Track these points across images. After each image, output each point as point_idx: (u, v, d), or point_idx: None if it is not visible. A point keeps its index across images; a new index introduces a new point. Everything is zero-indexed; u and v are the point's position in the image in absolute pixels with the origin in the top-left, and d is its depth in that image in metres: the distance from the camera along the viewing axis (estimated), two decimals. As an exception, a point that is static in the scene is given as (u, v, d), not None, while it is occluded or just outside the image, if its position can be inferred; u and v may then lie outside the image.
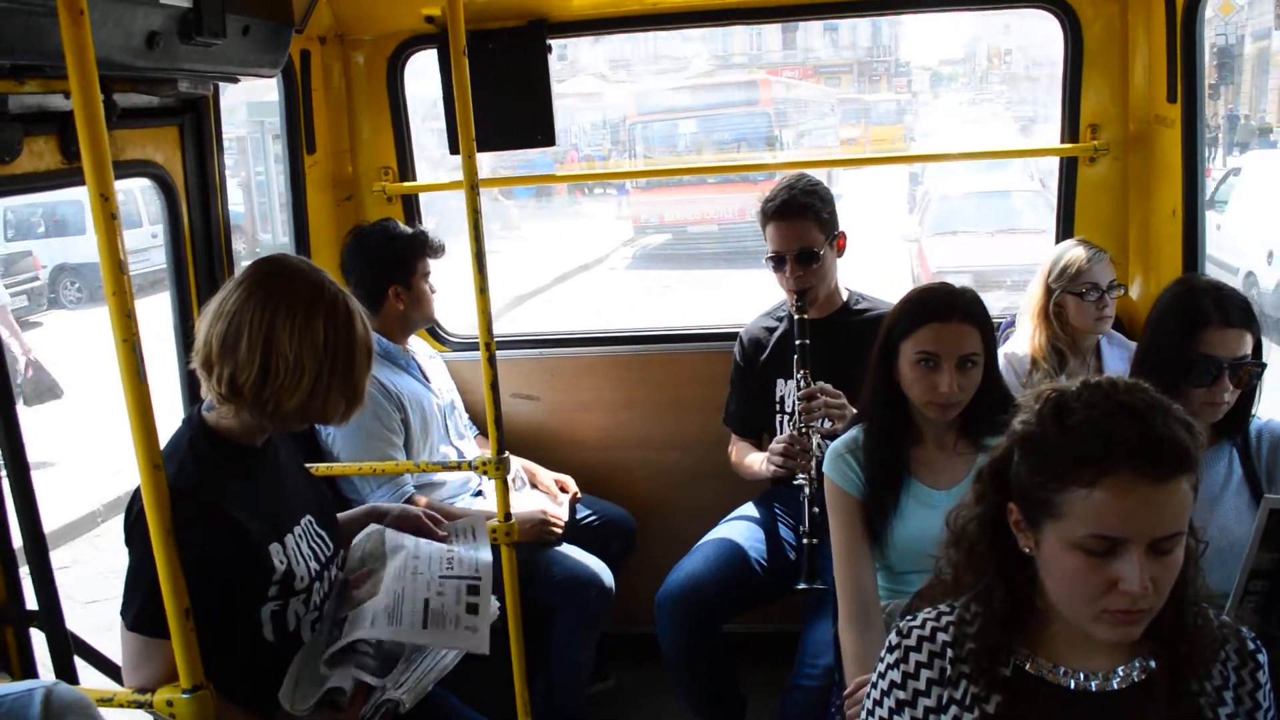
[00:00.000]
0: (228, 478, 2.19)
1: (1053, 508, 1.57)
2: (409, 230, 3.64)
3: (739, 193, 16.98)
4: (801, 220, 3.37)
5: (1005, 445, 1.70)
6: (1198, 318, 2.55)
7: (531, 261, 15.72)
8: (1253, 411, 2.65)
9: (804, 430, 3.25)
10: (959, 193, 14.74)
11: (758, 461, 3.47)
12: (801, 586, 3.02)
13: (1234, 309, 2.55)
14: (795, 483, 3.22)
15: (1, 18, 1.97)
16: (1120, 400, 1.56)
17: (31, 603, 2.30)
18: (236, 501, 2.17)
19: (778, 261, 3.42)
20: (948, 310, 2.54)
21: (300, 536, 2.32)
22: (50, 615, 2.20)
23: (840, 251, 3.51)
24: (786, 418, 3.52)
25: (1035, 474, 1.61)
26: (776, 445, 3.30)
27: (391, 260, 3.57)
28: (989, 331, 2.57)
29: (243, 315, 2.11)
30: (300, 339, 2.11)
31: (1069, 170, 3.82)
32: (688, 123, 20.34)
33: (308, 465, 3.07)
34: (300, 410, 2.16)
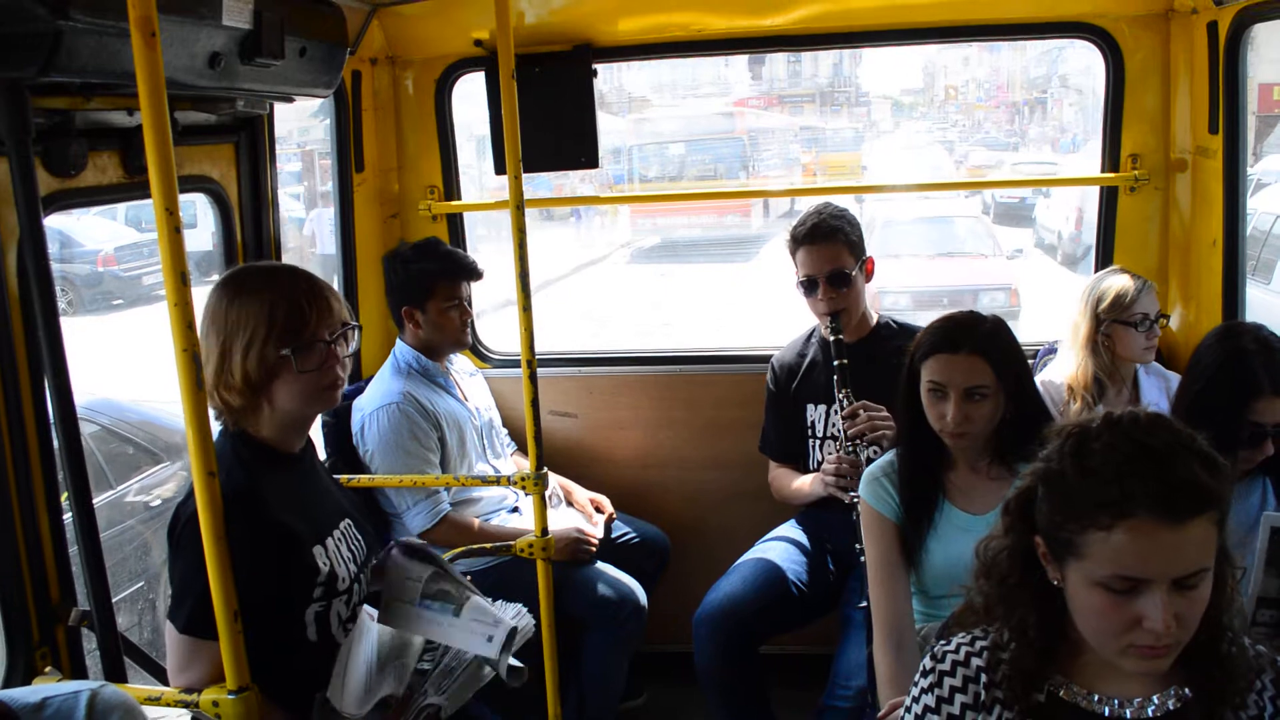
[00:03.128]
0: (272, 482, 2.26)
1: (1074, 547, 1.57)
2: (440, 251, 3.66)
3: (715, 204, 20.55)
4: (832, 243, 3.40)
5: (1029, 480, 1.71)
6: (1250, 387, 2.55)
7: (546, 259, 18.08)
8: None
9: (852, 449, 3.26)
10: (904, 218, 15.19)
11: (809, 483, 3.46)
12: (864, 604, 2.99)
13: None
14: (849, 501, 3.19)
15: (74, 37, 2.04)
16: (1140, 441, 1.55)
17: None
18: (282, 504, 2.24)
19: (809, 285, 3.44)
20: (958, 342, 2.55)
21: (340, 539, 2.39)
22: (101, 616, 2.25)
23: (869, 275, 3.53)
24: (818, 442, 3.54)
25: (1056, 513, 1.61)
26: (829, 465, 3.30)
27: (404, 283, 3.61)
28: (1006, 362, 2.55)
29: (206, 324, 2.23)
30: (240, 309, 2.20)
31: (1109, 200, 3.82)
32: (676, 147, 23.92)
33: (349, 477, 3.14)
34: (261, 371, 2.19)
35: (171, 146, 1.81)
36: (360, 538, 2.48)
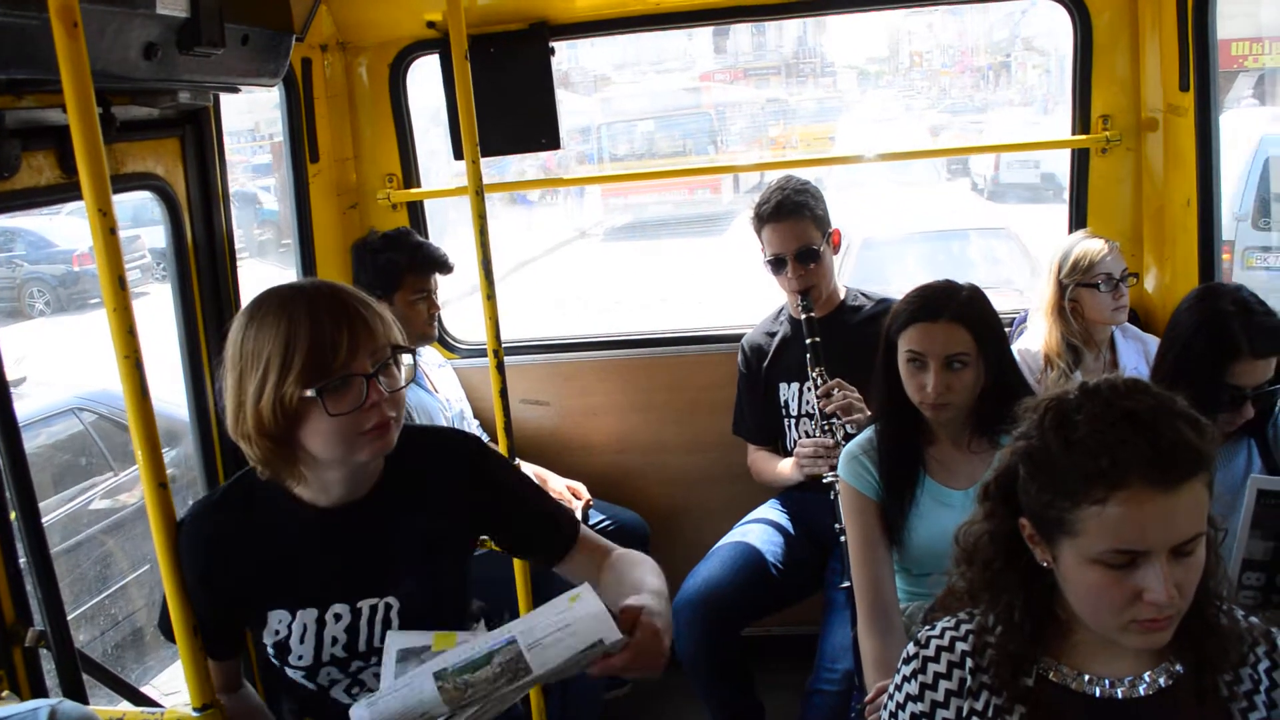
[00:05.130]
0: (245, 532, 1.97)
1: (1067, 525, 1.52)
2: (411, 242, 3.59)
3: (683, 181, 20.48)
4: (798, 219, 3.34)
5: (1008, 460, 1.66)
6: (1228, 350, 2.52)
7: (519, 239, 18.52)
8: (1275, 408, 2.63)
9: (827, 428, 3.21)
10: (893, 236, 10.08)
11: (790, 466, 3.40)
12: (846, 584, 2.85)
13: (1263, 338, 2.53)
14: (825, 481, 3.15)
15: (-3, 31, 1.95)
16: (1123, 407, 1.50)
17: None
18: (235, 559, 1.96)
19: (777, 264, 3.38)
20: (936, 310, 2.51)
21: (338, 619, 2.00)
22: (57, 634, 2.17)
23: (836, 248, 3.48)
24: (793, 421, 3.50)
25: (1044, 492, 1.56)
26: (804, 449, 3.27)
27: (371, 273, 3.54)
28: (986, 330, 2.52)
29: (225, 355, 1.90)
30: (255, 341, 1.83)
31: (1080, 162, 3.78)
32: (645, 124, 23.81)
33: None
34: (278, 416, 1.81)
35: (101, 143, 1.74)
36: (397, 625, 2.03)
